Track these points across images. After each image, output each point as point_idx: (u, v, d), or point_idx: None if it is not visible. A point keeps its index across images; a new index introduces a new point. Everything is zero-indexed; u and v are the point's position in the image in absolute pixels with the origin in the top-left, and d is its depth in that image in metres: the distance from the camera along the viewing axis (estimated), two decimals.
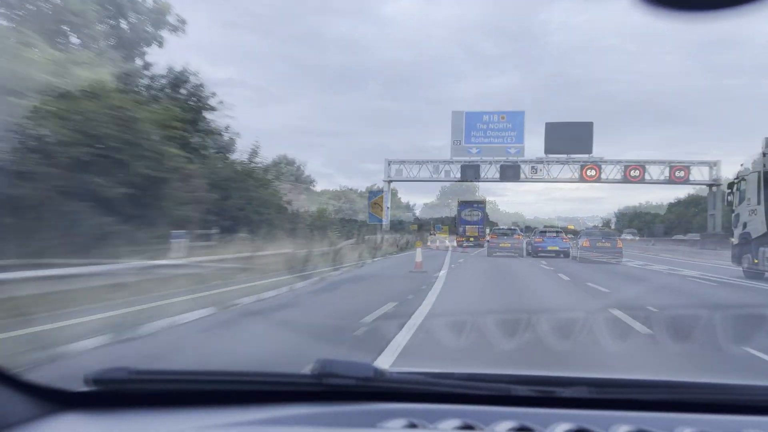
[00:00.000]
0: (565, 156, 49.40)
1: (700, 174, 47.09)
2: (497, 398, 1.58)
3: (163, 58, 46.33)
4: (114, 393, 1.58)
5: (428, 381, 1.61)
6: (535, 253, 28.84)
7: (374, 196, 53.33)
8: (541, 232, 31.46)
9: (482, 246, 44.64)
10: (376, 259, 23.11)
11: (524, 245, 30.75)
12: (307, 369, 1.59)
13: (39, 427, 1.43)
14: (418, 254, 18.16)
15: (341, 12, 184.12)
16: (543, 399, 1.59)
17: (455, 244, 46.82)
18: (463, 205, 48.14)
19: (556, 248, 28.49)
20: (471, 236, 45.78)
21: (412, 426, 1.43)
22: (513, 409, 1.53)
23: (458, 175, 52.46)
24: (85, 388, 1.55)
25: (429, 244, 42.11)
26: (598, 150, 49.78)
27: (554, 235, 30.12)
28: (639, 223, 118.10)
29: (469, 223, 46.82)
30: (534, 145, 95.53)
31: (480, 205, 48.37)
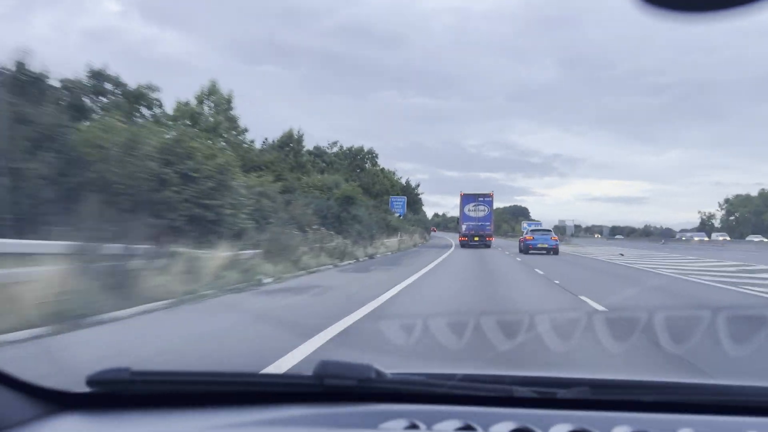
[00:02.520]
0: None
1: None
2: (498, 399, 1.58)
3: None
4: (115, 394, 1.58)
5: (429, 382, 1.61)
6: (526, 250, 31.05)
7: None
8: (532, 230, 33.96)
9: (489, 247, 38.05)
10: None
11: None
12: (307, 370, 1.58)
13: (39, 428, 1.43)
14: None
15: None
16: (544, 400, 1.59)
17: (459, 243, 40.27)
18: (467, 198, 40.35)
19: (546, 245, 30.94)
20: (476, 235, 38.42)
21: (413, 427, 1.43)
22: (514, 410, 1.53)
23: None
24: (86, 389, 1.56)
25: None
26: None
27: (544, 233, 32.63)
28: None
29: (473, 219, 39.50)
30: None
31: (486, 198, 40.37)
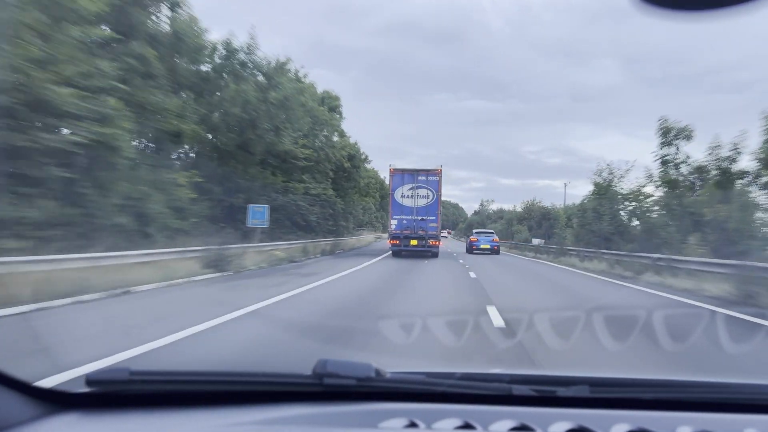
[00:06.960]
0: None
1: None
2: (497, 398, 1.58)
3: None
4: (114, 393, 1.58)
5: (428, 381, 1.61)
6: (470, 250, 33.71)
7: None
8: (477, 232, 37.39)
9: (437, 255, 24.60)
10: None
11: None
12: (307, 369, 1.59)
13: (39, 427, 1.43)
14: None
15: None
16: (543, 398, 1.59)
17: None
18: (400, 176, 24.51)
19: (488, 246, 33.66)
20: (413, 237, 24.06)
21: (413, 425, 1.43)
22: (513, 409, 1.53)
23: None
24: (85, 389, 1.55)
25: None
26: None
27: (487, 235, 35.09)
28: None
29: (408, 211, 24.20)
30: None
31: (431, 176, 24.47)
